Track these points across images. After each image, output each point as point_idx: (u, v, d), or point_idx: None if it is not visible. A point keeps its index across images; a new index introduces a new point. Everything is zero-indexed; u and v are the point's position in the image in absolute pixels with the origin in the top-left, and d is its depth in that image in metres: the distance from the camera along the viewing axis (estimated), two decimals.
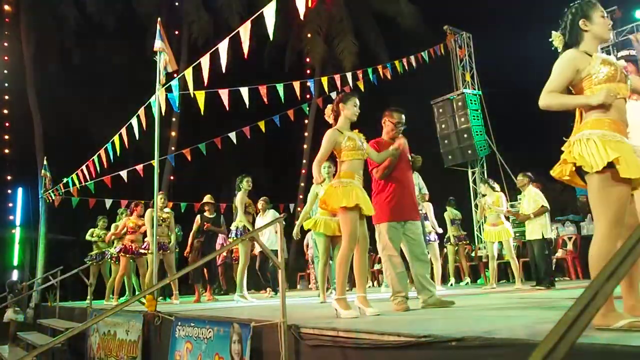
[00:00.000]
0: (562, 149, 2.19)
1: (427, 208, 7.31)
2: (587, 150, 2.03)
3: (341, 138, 3.50)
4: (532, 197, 6.49)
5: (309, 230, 6.15)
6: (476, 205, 12.13)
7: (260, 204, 7.65)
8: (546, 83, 2.18)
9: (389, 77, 10.92)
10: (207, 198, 8.02)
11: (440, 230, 7.70)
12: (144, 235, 7.58)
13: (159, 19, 6.05)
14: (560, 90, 2.18)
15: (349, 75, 10.06)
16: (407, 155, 4.05)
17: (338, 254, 3.46)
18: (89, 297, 7.02)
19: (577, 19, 2.23)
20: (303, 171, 16.88)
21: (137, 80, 13.97)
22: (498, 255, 8.23)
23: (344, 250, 3.37)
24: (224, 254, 10.07)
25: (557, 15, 2.31)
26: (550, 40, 2.32)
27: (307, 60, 17.43)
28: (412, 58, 11.33)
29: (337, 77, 9.95)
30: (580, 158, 2.04)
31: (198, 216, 7.95)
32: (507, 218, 7.29)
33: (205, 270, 8.24)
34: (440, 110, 12.34)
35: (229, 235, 6.98)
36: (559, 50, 2.30)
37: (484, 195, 7.39)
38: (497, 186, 7.39)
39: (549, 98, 2.17)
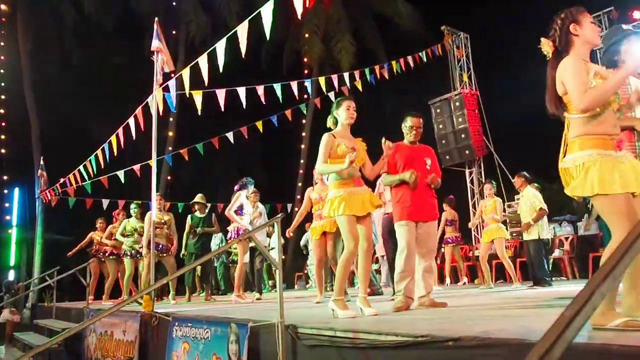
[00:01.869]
0: (560, 164, 2.19)
1: None
2: (592, 177, 2.04)
3: (334, 143, 3.52)
4: (529, 199, 6.49)
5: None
6: (474, 205, 12.15)
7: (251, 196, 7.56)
8: (573, 91, 2.09)
9: (386, 77, 10.93)
10: (197, 198, 7.97)
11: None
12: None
13: (156, 19, 6.04)
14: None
15: (346, 75, 10.07)
16: (425, 161, 4.04)
17: (341, 257, 3.46)
18: (87, 296, 7.03)
19: (567, 24, 2.22)
20: (301, 171, 16.87)
21: (134, 80, 13.96)
22: (494, 255, 8.25)
23: (346, 253, 3.40)
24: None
25: (554, 13, 2.30)
26: (539, 47, 2.31)
27: (305, 60, 17.42)
28: (410, 58, 11.34)
29: (334, 77, 9.95)
30: (575, 187, 2.08)
31: (189, 216, 7.90)
32: (504, 222, 7.30)
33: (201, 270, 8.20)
34: (438, 110, 12.35)
35: (227, 236, 6.94)
36: (548, 57, 2.29)
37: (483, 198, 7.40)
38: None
39: (591, 94, 2.04)
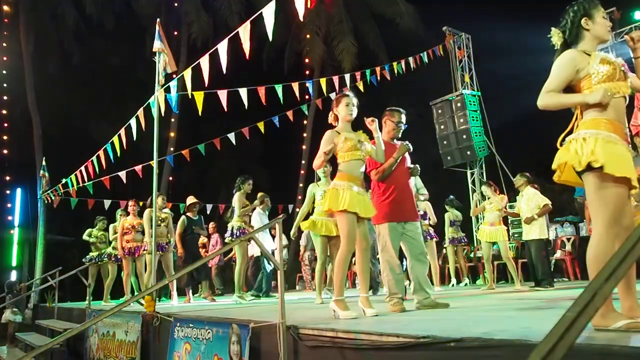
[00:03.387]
0: (558, 146, 2.19)
1: (426, 207, 7.30)
2: (579, 150, 2.03)
3: (338, 139, 3.50)
4: (530, 198, 6.47)
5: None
6: (476, 204, 12.13)
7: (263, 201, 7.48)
8: (545, 83, 2.17)
9: (388, 78, 10.93)
10: (191, 199, 7.98)
11: (435, 220, 7.62)
12: (143, 234, 7.56)
13: (158, 19, 6.04)
14: (559, 90, 2.16)
15: (347, 76, 10.07)
16: (406, 158, 4.05)
17: (337, 256, 3.45)
18: (88, 297, 7.03)
19: (579, 17, 2.22)
20: (302, 172, 16.88)
21: (136, 80, 14.01)
22: (496, 256, 8.23)
23: (342, 252, 3.38)
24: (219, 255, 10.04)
25: (556, 15, 2.30)
26: (549, 36, 2.30)
27: (306, 61, 17.44)
28: (411, 59, 11.34)
29: (335, 78, 9.96)
30: (572, 156, 2.05)
31: (183, 217, 7.88)
32: (505, 221, 7.28)
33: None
34: (439, 111, 12.34)
35: (226, 236, 6.93)
36: (556, 48, 2.28)
37: (488, 198, 7.34)
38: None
39: (547, 98, 2.16)
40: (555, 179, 2.20)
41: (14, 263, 14.44)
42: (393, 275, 3.77)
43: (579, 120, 2.17)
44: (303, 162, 16.98)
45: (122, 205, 10.35)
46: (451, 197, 8.76)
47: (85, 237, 8.87)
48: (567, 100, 2.16)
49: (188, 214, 7.86)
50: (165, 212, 7.49)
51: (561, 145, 2.18)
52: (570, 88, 2.20)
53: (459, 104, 11.97)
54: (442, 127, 12.27)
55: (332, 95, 9.76)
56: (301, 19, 5.52)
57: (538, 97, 2.18)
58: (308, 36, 17.19)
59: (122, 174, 9.66)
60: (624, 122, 2.15)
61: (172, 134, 16.04)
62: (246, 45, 5.13)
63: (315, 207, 5.82)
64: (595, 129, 2.06)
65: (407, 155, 4.05)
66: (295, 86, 8.17)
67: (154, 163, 5.67)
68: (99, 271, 8.77)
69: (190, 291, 7.61)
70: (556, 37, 2.28)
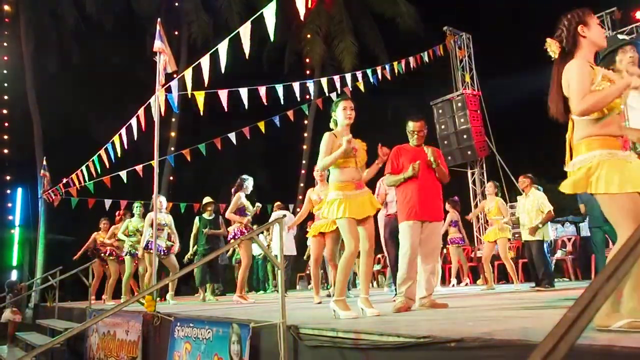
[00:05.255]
0: (566, 169, 2.19)
1: None
2: (599, 176, 2.04)
3: (336, 143, 3.49)
4: (537, 200, 6.41)
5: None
6: (476, 205, 12.12)
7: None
8: (573, 94, 2.11)
9: (388, 77, 10.93)
10: (207, 199, 8.00)
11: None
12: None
13: (159, 19, 6.04)
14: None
15: (348, 76, 10.07)
16: (428, 159, 4.01)
17: (342, 257, 3.46)
18: (89, 297, 7.04)
19: (575, 25, 2.23)
20: (302, 171, 16.88)
21: (136, 80, 14.00)
22: (496, 256, 8.22)
23: (346, 254, 3.38)
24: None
25: (557, 14, 2.30)
26: (545, 47, 2.31)
27: (307, 60, 17.43)
28: (412, 59, 11.34)
29: (336, 78, 9.95)
30: (594, 183, 2.06)
31: (197, 218, 7.90)
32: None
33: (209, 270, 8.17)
34: (440, 111, 12.34)
35: (229, 237, 6.92)
36: (553, 58, 2.28)
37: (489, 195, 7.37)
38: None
39: (588, 99, 2.06)
40: (567, 192, 2.21)
41: (14, 262, 14.45)
42: (406, 276, 3.78)
43: (573, 138, 2.17)
44: (304, 161, 16.98)
45: (122, 205, 10.37)
46: (455, 198, 8.74)
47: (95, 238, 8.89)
48: (610, 91, 2.06)
49: (203, 214, 7.89)
50: (167, 216, 7.47)
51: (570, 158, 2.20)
52: (566, 99, 2.19)
53: (459, 104, 11.96)
54: (442, 127, 12.27)
55: (333, 95, 9.77)
56: (302, 18, 5.52)
57: (574, 106, 2.09)
58: (308, 36, 17.18)
59: (123, 174, 9.67)
60: (620, 134, 2.17)
61: (172, 134, 16.05)
62: (246, 46, 5.13)
63: (314, 213, 5.84)
64: (604, 149, 2.07)
65: (425, 155, 4.03)
66: (296, 86, 8.18)
67: (155, 163, 5.67)
68: (104, 271, 8.79)
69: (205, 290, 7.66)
70: (553, 46, 2.28)
